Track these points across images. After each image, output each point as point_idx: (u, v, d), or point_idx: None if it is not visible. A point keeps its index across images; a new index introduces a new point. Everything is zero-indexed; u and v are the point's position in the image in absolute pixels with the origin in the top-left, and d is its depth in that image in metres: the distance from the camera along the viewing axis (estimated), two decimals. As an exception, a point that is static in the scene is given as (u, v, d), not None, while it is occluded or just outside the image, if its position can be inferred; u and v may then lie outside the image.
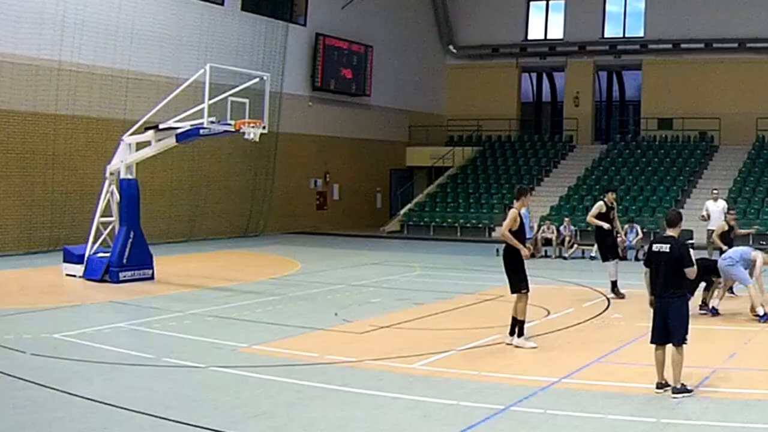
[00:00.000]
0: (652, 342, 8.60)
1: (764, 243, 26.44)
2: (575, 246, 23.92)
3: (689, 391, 8.33)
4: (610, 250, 15.48)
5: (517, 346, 10.82)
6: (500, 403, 8.16)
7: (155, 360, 10.11)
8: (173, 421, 7.61)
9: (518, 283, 10.97)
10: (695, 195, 29.33)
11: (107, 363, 9.88)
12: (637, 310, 12.69)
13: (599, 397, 8.47)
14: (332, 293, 16.11)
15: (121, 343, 11.20)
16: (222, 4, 28.10)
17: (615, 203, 16.09)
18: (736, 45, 33.41)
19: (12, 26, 21.56)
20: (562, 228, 24.31)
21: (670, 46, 34.74)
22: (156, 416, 7.75)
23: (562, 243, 24.01)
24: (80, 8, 23.10)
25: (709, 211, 20.97)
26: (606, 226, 15.26)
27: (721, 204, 21.26)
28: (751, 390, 8.63)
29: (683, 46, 34.45)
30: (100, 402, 8.15)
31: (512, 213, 11.16)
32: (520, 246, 11.04)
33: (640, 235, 23.77)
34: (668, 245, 8.64)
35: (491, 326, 12.06)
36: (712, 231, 20.96)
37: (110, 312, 14.03)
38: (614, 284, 15.25)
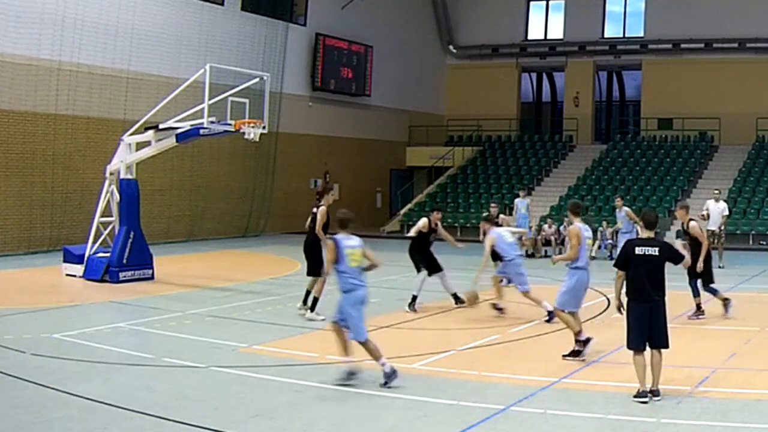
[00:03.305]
0: (636, 348, 8.46)
1: (764, 243, 26.54)
2: (575, 246, 23.88)
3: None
4: (423, 263, 15.08)
5: (310, 319, 12.87)
6: (500, 403, 8.16)
7: (155, 360, 10.11)
8: (173, 421, 7.61)
9: (318, 268, 12.87)
10: (695, 195, 29.31)
11: (107, 363, 9.88)
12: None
13: (599, 397, 8.47)
14: (332, 293, 16.05)
15: (121, 343, 11.19)
16: (222, 4, 28.10)
17: (439, 224, 15.60)
18: (736, 45, 33.41)
19: (12, 26, 21.55)
20: (562, 228, 24.30)
21: (670, 46, 34.74)
22: (156, 416, 7.75)
23: (562, 243, 23.99)
24: (80, 8, 23.09)
25: (710, 210, 20.96)
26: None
27: (722, 205, 21.24)
28: (751, 390, 8.63)
29: (683, 46, 34.46)
30: (100, 402, 8.15)
31: (321, 210, 13.13)
32: (326, 243, 12.26)
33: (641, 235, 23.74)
34: (656, 248, 8.58)
35: (491, 326, 12.07)
36: (711, 231, 21.01)
37: (110, 312, 14.03)
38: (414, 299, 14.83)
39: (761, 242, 26.58)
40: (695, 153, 32.84)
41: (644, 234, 8.81)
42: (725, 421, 7.57)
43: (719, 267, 20.41)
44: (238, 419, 7.75)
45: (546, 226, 24.50)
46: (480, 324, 12.20)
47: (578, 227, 10.68)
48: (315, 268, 13.07)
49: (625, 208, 20.12)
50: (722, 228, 21.15)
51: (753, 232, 26.88)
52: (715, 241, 20.99)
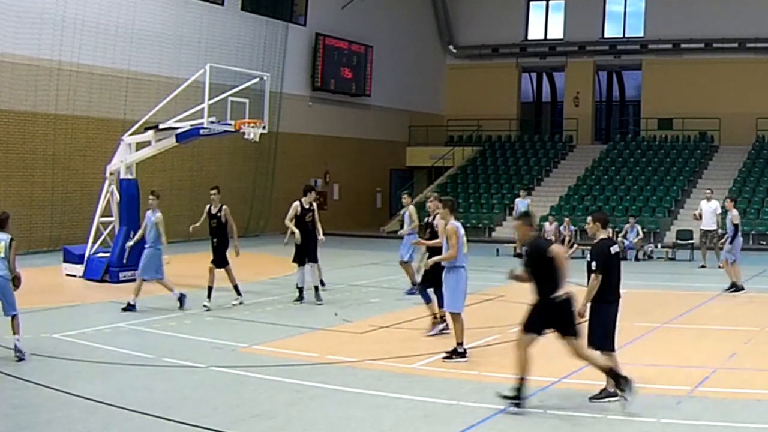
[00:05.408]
0: (613, 348, 8.46)
1: (764, 243, 26.54)
2: (575, 246, 23.92)
3: None
4: (303, 254, 14.85)
5: (233, 305, 14.29)
6: (500, 403, 8.16)
7: (155, 360, 10.10)
8: (173, 421, 7.62)
9: (223, 259, 14.79)
10: (695, 195, 29.30)
11: (107, 363, 9.88)
12: (637, 310, 12.69)
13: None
14: (332, 293, 16.11)
15: (121, 343, 11.20)
16: (222, 4, 28.10)
17: (314, 204, 14.98)
18: (736, 45, 33.40)
19: (12, 26, 21.54)
20: (562, 228, 24.32)
21: (670, 46, 34.73)
22: (156, 416, 7.75)
23: (562, 243, 23.99)
24: (80, 8, 23.09)
25: (702, 210, 20.99)
26: (297, 234, 14.57)
27: (714, 204, 21.21)
28: (751, 390, 8.63)
29: (683, 46, 34.44)
30: (100, 402, 8.15)
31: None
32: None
33: (641, 235, 23.76)
34: (617, 245, 8.70)
35: (491, 326, 12.06)
36: (705, 231, 21.02)
37: (110, 312, 14.01)
38: (301, 291, 14.83)
39: (761, 242, 26.58)
40: (695, 153, 32.83)
41: (603, 234, 8.62)
42: (725, 421, 7.57)
43: (719, 267, 20.43)
44: (238, 419, 7.75)
45: (547, 224, 24.50)
46: (480, 324, 12.17)
47: (455, 225, 10.34)
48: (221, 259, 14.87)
49: (411, 207, 17.18)
50: (718, 227, 21.11)
51: (753, 232, 26.87)
52: (708, 240, 20.98)
